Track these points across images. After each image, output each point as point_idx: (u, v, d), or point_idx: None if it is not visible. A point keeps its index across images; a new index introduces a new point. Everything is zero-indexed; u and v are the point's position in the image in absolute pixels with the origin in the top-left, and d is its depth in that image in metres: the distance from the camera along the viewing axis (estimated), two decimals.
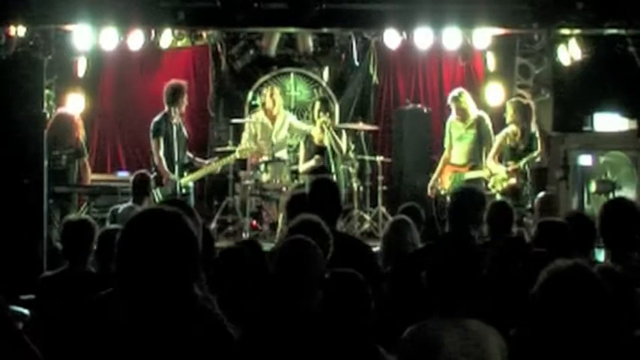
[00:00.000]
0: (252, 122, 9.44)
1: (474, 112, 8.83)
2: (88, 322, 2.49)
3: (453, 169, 8.87)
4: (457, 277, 3.35)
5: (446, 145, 8.98)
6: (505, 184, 8.35)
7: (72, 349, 2.55)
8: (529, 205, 7.98)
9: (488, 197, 8.14)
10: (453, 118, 8.92)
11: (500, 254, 3.93)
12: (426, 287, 3.38)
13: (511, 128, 8.46)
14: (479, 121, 8.79)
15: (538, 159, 8.39)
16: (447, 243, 3.65)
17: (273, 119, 9.40)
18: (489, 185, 8.48)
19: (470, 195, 5.13)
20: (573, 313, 2.42)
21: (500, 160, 8.52)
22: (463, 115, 8.79)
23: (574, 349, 2.42)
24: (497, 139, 8.59)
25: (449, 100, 8.91)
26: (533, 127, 8.47)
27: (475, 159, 8.75)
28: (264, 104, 9.47)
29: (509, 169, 8.29)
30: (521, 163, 8.26)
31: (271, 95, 9.46)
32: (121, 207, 7.14)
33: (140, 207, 6.50)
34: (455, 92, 8.92)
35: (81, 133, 8.72)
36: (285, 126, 9.39)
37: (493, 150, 8.55)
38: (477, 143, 8.75)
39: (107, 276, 4.41)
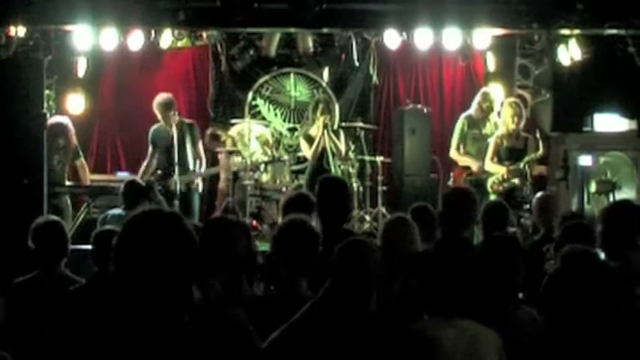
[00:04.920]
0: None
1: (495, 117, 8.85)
2: (81, 324, 2.49)
3: (467, 172, 8.84)
4: (451, 278, 3.36)
5: (458, 142, 8.87)
6: (506, 185, 8.34)
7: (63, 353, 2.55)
8: (527, 206, 7.98)
9: (486, 197, 8.23)
10: (473, 114, 8.83)
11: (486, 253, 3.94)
12: (420, 289, 3.39)
13: (505, 129, 8.45)
14: (496, 127, 8.79)
15: (535, 160, 8.37)
16: (441, 246, 3.67)
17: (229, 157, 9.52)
18: (488, 186, 8.47)
19: (459, 196, 5.14)
20: (585, 297, 2.39)
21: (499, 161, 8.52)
22: (487, 115, 8.76)
23: (587, 335, 2.38)
24: (491, 140, 8.58)
25: (481, 96, 8.81)
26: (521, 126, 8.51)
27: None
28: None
29: (511, 168, 8.28)
30: (522, 163, 8.26)
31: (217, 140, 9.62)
32: (110, 213, 7.05)
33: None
34: (491, 90, 8.93)
35: (73, 141, 8.72)
36: (249, 147, 9.40)
37: (490, 151, 8.53)
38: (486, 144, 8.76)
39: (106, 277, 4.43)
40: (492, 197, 8.29)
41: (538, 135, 8.34)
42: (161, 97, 8.66)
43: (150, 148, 8.79)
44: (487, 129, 8.83)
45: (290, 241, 3.86)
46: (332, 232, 4.60)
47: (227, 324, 2.56)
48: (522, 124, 8.44)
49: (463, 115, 8.97)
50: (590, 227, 4.76)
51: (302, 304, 3.35)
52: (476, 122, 8.84)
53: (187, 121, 8.85)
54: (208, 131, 9.75)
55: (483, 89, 9.12)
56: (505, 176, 8.34)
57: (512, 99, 8.81)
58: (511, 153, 8.39)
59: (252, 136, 9.46)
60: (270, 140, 9.63)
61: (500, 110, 8.65)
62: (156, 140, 8.73)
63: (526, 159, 8.25)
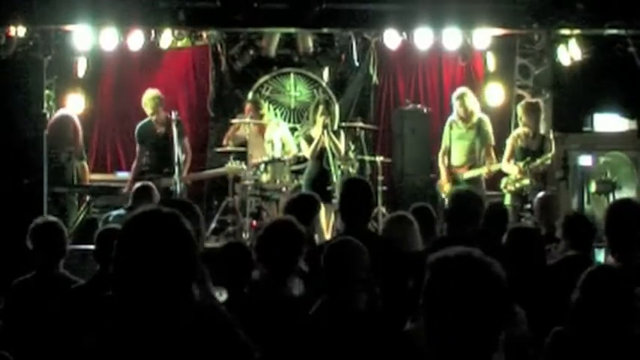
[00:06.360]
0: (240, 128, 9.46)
1: (477, 113, 8.79)
2: (81, 324, 2.49)
3: (451, 172, 8.85)
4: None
5: (444, 145, 8.89)
6: (519, 185, 8.33)
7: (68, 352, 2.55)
8: (528, 206, 7.98)
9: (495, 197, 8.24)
10: (454, 117, 8.84)
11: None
12: (418, 288, 3.39)
13: (522, 129, 8.45)
14: (479, 124, 8.75)
15: (549, 161, 8.34)
16: (439, 245, 3.64)
17: (262, 133, 9.41)
18: (501, 186, 8.48)
19: (467, 198, 5.13)
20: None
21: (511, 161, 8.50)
22: (466, 115, 8.71)
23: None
24: (508, 141, 8.58)
25: (453, 99, 8.81)
26: (542, 129, 8.51)
27: (473, 158, 8.74)
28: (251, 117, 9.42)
29: (523, 169, 8.27)
30: (521, 164, 8.24)
31: (257, 109, 9.46)
32: (113, 214, 7.04)
33: None
34: (459, 91, 8.82)
35: (80, 135, 8.76)
36: (274, 143, 9.30)
37: (507, 152, 8.51)
38: (477, 143, 8.72)
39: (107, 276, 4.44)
40: (507, 197, 8.36)
41: (551, 135, 8.35)
42: (152, 92, 8.67)
43: (138, 146, 8.77)
44: (466, 127, 8.75)
45: (273, 241, 3.85)
46: (354, 232, 4.59)
47: (214, 322, 2.56)
48: (537, 124, 8.42)
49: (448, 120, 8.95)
50: (592, 225, 4.79)
51: (286, 305, 3.36)
52: (456, 122, 8.81)
53: (175, 117, 8.79)
54: (250, 98, 9.84)
55: (457, 89, 9.00)
56: (518, 176, 8.33)
57: (528, 100, 8.82)
58: (526, 153, 8.37)
59: (277, 137, 9.40)
60: (292, 154, 9.52)
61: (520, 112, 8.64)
62: (144, 137, 8.71)
63: (539, 160, 8.23)
